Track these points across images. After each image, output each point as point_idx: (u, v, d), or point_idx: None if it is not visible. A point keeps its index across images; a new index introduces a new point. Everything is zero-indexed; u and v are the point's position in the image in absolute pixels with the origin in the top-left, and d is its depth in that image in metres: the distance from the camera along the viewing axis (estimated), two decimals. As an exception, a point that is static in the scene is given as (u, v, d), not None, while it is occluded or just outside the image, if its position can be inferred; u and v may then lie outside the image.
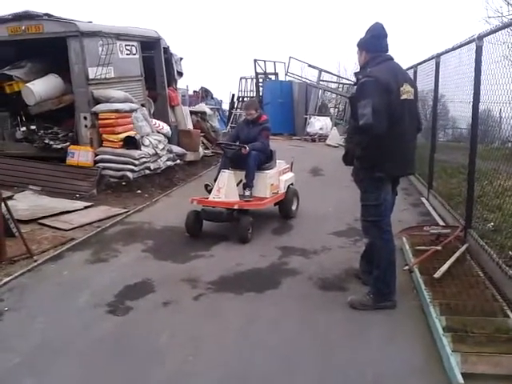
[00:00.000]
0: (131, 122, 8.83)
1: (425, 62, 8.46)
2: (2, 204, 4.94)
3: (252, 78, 19.89)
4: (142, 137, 8.85)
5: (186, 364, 3.21)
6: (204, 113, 13.03)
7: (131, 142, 8.50)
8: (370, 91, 3.57)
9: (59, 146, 8.79)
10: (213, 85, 33.40)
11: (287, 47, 49.75)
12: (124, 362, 3.23)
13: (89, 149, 8.49)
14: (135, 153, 8.44)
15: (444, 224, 5.97)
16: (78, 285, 4.44)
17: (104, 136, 8.59)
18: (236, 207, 5.62)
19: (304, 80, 19.64)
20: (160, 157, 9.09)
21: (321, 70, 18.70)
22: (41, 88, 8.95)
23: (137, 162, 8.42)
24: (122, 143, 8.48)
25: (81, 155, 8.42)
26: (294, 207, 6.62)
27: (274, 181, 6.29)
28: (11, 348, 3.38)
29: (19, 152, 8.83)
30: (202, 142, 11.71)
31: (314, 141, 16.40)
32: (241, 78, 20.51)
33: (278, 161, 6.52)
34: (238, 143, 6.22)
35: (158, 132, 9.64)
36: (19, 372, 3.13)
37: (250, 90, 20.22)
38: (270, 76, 19.78)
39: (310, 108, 18.17)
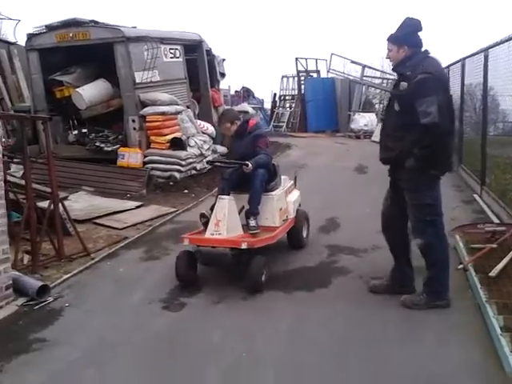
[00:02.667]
0: (177, 124, 9.03)
1: (473, 55, 8.21)
2: (60, 204, 5.17)
3: (294, 76, 19.84)
4: (188, 138, 9.04)
5: (239, 361, 3.26)
6: (246, 112, 13.07)
7: (178, 143, 8.71)
8: (434, 88, 3.50)
9: (110, 149, 9.12)
10: (254, 84, 33.61)
11: (329, 44, 49.25)
12: (179, 357, 3.32)
13: (138, 150, 8.74)
14: (182, 153, 8.63)
15: (499, 221, 5.77)
16: (133, 282, 4.60)
17: (152, 138, 8.83)
18: (244, 247, 4.27)
19: (347, 76, 19.41)
20: (205, 157, 9.24)
21: (364, 66, 18.43)
22: (90, 93, 9.28)
23: (183, 163, 8.62)
24: (168, 144, 8.70)
25: (131, 157, 8.70)
26: (304, 234, 5.45)
27: (282, 204, 4.97)
28: (72, 342, 3.53)
29: (72, 154, 9.18)
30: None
31: (358, 137, 16.18)
32: (282, 77, 20.50)
33: (282, 177, 5.26)
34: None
35: (203, 133, 9.82)
36: (80, 365, 3.27)
37: (292, 89, 20.19)
38: (311, 73, 19.67)
39: (353, 104, 17.94)
